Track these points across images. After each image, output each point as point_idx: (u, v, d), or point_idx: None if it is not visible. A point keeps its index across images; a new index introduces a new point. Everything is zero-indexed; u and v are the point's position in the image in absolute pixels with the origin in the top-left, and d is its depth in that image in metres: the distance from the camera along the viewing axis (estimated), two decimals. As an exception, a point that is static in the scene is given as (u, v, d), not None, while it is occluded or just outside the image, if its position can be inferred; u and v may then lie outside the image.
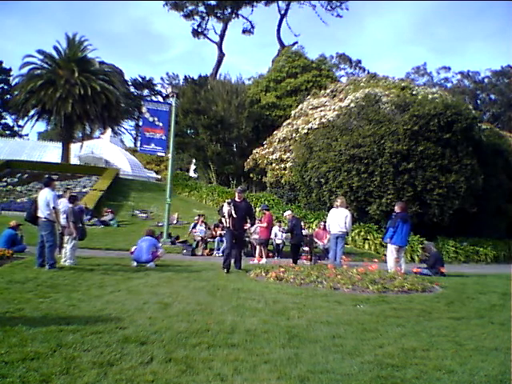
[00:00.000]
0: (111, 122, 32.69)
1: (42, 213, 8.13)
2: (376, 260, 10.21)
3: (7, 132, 49.38)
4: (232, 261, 9.14)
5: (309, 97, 24.81)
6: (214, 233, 14.02)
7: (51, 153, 35.68)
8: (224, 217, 9.27)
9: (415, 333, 4.69)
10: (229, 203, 9.13)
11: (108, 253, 11.68)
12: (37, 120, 29.97)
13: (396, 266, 9.73)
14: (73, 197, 9.95)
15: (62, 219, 8.76)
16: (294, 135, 21.77)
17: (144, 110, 16.72)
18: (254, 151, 24.13)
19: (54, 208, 8.14)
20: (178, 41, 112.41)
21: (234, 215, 9.00)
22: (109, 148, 39.25)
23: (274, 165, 22.43)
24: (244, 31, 45.23)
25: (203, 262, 10.81)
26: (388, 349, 4.05)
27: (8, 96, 42.84)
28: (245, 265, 10.19)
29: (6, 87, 46.90)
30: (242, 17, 44.05)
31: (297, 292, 6.76)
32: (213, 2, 41.88)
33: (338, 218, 10.45)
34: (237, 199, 9.36)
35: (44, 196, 8.18)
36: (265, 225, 12.07)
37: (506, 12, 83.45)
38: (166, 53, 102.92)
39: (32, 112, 29.03)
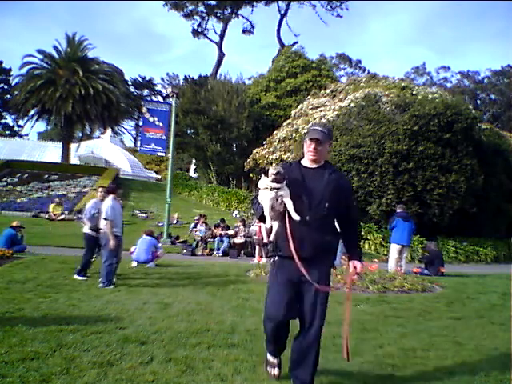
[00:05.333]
0: (111, 122, 32.68)
1: (101, 224, 7.19)
2: (376, 260, 10.21)
3: (7, 132, 49.34)
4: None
5: (309, 97, 24.81)
6: (214, 232, 14.02)
7: (51, 153, 35.67)
8: (262, 219, 3.05)
9: (415, 333, 4.69)
10: (277, 178, 2.89)
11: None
12: (37, 120, 29.98)
13: (396, 266, 9.74)
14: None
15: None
16: (293, 135, 21.77)
17: (144, 110, 16.76)
18: (254, 151, 24.13)
19: (105, 219, 7.06)
20: (180, 41, 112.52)
21: (295, 216, 2.86)
22: (109, 148, 39.24)
23: (274, 165, 22.42)
24: (244, 31, 45.32)
25: (203, 262, 10.80)
26: (388, 349, 4.05)
27: (8, 96, 42.80)
28: (245, 265, 10.18)
29: (6, 87, 46.86)
30: (242, 17, 44.12)
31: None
32: (213, 2, 41.93)
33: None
34: (306, 162, 3.11)
35: (104, 205, 7.25)
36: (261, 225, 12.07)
37: (507, 13, 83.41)
38: (167, 53, 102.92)
39: (32, 112, 29.04)
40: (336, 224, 3.09)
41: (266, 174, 2.91)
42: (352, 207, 3.27)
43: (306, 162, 3.08)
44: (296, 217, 2.83)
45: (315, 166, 3.04)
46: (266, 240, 3.04)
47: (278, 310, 2.93)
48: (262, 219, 3.01)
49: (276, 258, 3.05)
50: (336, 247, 3.14)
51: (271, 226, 2.97)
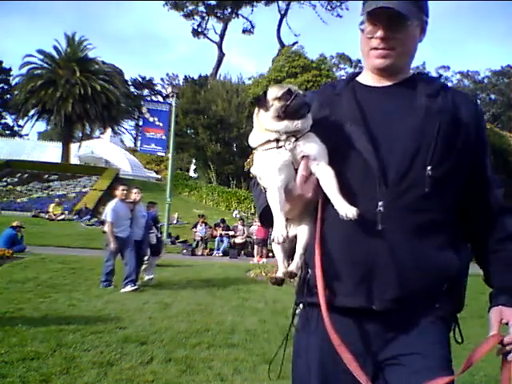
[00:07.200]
0: (111, 121, 32.72)
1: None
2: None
3: (7, 132, 49.35)
4: None
5: (309, 97, 24.83)
6: (214, 232, 14.04)
7: (51, 153, 35.63)
8: (265, 219, 1.18)
9: (415, 333, 4.69)
10: (289, 107, 1.10)
11: (108, 253, 11.68)
12: (37, 120, 30.01)
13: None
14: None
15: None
16: (293, 135, 21.80)
17: (144, 109, 16.79)
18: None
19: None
20: (180, 41, 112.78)
21: (345, 208, 1.07)
22: (109, 148, 39.20)
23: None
24: (244, 31, 45.27)
25: (203, 262, 10.81)
26: (388, 349, 4.04)
27: (8, 96, 42.84)
28: (245, 265, 10.18)
29: (6, 87, 46.87)
30: (242, 17, 44.09)
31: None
32: (213, 2, 41.92)
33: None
34: (368, 78, 1.24)
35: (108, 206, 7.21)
36: (259, 223, 12.11)
37: (508, 13, 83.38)
38: (167, 53, 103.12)
39: (32, 112, 29.04)
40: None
41: (262, 105, 1.19)
42: (492, 176, 1.26)
43: (368, 77, 1.27)
44: (347, 210, 1.09)
45: (389, 82, 1.24)
46: (281, 271, 1.25)
47: None
48: (267, 219, 1.19)
49: (301, 308, 1.35)
50: (465, 278, 1.35)
51: (293, 237, 1.24)
